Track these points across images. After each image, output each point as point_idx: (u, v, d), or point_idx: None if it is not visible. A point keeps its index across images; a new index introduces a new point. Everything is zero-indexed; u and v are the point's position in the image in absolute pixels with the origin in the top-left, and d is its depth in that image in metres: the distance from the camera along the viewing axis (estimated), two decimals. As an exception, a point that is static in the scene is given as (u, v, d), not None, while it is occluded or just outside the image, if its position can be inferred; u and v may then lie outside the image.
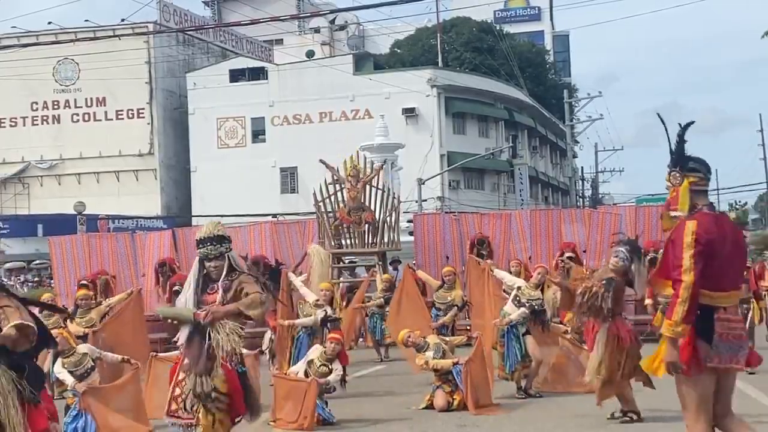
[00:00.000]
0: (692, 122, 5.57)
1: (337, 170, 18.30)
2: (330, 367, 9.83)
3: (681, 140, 5.51)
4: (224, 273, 6.30)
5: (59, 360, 9.17)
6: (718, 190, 63.27)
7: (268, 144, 46.98)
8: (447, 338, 11.18)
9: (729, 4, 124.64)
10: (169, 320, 6.66)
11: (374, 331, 15.86)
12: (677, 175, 5.43)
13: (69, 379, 8.99)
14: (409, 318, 12.75)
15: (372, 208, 18.05)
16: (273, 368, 12.09)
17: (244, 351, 11.33)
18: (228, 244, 6.38)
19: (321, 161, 18.83)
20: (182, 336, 6.42)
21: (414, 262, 17.47)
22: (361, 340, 17.18)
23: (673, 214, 5.44)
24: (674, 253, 5.25)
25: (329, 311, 11.64)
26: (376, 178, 18.25)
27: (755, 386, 10.46)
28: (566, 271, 13.45)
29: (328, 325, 11.59)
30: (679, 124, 5.53)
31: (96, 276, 16.20)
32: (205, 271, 6.38)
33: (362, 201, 17.90)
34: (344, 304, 16.60)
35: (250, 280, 6.35)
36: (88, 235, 22.47)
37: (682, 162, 5.46)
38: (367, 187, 18.04)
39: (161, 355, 11.16)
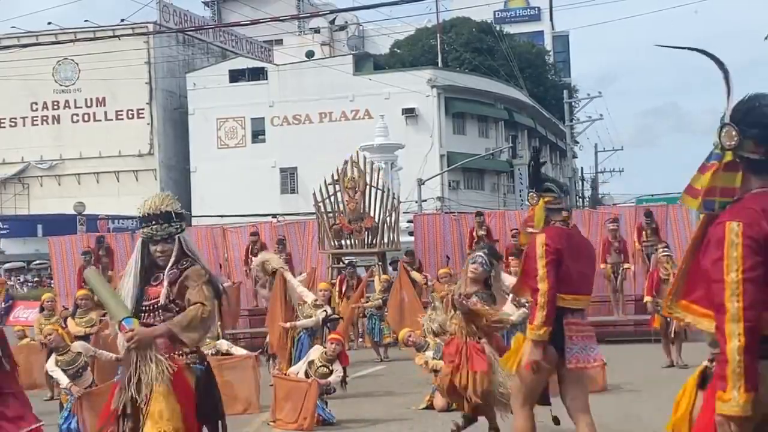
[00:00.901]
0: (540, 148, 6.25)
1: (338, 171, 18.29)
2: (330, 367, 9.82)
3: (537, 164, 6.38)
4: (172, 260, 5.03)
5: (53, 357, 9.21)
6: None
7: (268, 144, 46.99)
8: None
9: (729, 5, 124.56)
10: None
11: (373, 332, 15.85)
12: (534, 195, 6.26)
13: (63, 380, 9.03)
14: (408, 316, 12.75)
15: (372, 209, 18.05)
16: (273, 369, 12.09)
17: (244, 351, 11.41)
18: (179, 224, 5.09)
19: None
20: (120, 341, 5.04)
21: (408, 260, 17.53)
22: (360, 340, 17.17)
23: (529, 230, 6.23)
24: (530, 264, 5.96)
25: (329, 311, 11.64)
26: (375, 178, 18.25)
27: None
28: None
29: (329, 324, 11.58)
30: (534, 147, 6.32)
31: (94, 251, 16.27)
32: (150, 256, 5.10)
33: (362, 210, 17.93)
34: (343, 288, 16.58)
35: (198, 277, 4.98)
36: (88, 235, 22.47)
37: (537, 184, 6.33)
38: (367, 188, 18.03)
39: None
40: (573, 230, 6.35)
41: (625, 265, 17.31)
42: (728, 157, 3.48)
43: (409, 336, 10.57)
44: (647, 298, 13.76)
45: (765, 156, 3.40)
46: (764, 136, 3.39)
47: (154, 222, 5.03)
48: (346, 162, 18.31)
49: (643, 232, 17.82)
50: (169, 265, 5.01)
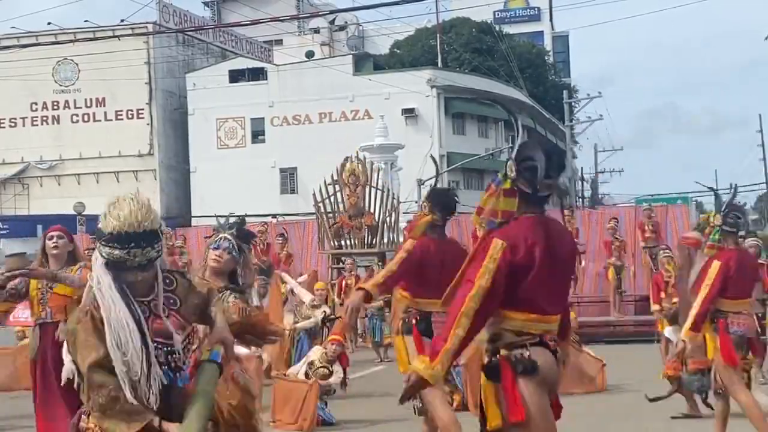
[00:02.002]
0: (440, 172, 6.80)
1: (338, 170, 18.29)
2: (330, 368, 9.82)
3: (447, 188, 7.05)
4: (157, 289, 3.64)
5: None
6: (717, 190, 63.44)
7: (268, 144, 46.98)
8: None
9: (729, 5, 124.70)
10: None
11: (373, 333, 15.85)
12: (426, 204, 6.74)
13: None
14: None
15: (372, 209, 18.04)
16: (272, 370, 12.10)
17: (247, 351, 11.38)
18: (161, 244, 3.59)
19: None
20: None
21: None
22: (360, 340, 17.17)
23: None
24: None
25: (328, 310, 11.64)
26: (375, 178, 18.25)
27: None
28: None
29: (328, 324, 11.58)
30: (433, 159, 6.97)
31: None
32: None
33: (362, 206, 17.93)
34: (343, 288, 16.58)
35: (209, 291, 3.87)
36: (88, 235, 22.44)
37: (434, 200, 6.71)
38: (367, 188, 18.04)
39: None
40: (450, 241, 6.90)
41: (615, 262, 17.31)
42: (507, 184, 4.21)
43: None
44: (655, 307, 13.73)
45: (533, 191, 4.17)
46: (530, 179, 4.14)
47: (132, 244, 3.45)
48: (346, 158, 18.33)
49: (645, 228, 17.79)
50: (160, 300, 3.60)
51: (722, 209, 7.23)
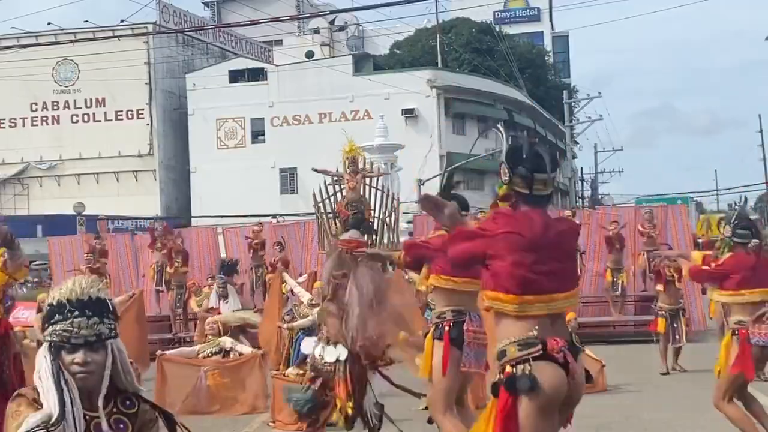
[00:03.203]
0: (453, 174, 6.73)
1: (337, 170, 18.26)
2: (330, 368, 9.82)
3: (449, 185, 7.13)
4: (104, 385, 2.86)
5: None
6: (717, 190, 63.47)
7: (268, 145, 46.96)
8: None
9: (729, 5, 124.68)
10: None
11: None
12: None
13: None
14: (408, 317, 12.70)
15: (371, 208, 18.02)
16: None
17: (249, 349, 11.37)
18: (113, 324, 2.93)
19: (314, 170, 18.79)
20: None
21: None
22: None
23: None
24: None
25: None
26: (375, 177, 18.22)
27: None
28: None
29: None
30: (449, 173, 6.80)
31: (91, 270, 16.26)
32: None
33: (362, 194, 17.90)
34: None
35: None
36: (87, 235, 22.46)
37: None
38: (367, 187, 18.02)
39: (168, 353, 11.20)
40: None
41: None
42: (503, 190, 4.21)
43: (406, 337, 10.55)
44: (659, 286, 13.76)
45: (529, 190, 4.13)
46: (525, 177, 4.13)
47: (76, 312, 2.83)
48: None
49: (644, 231, 17.78)
50: (102, 393, 2.83)
51: (732, 221, 7.11)
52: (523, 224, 4.08)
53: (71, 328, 2.81)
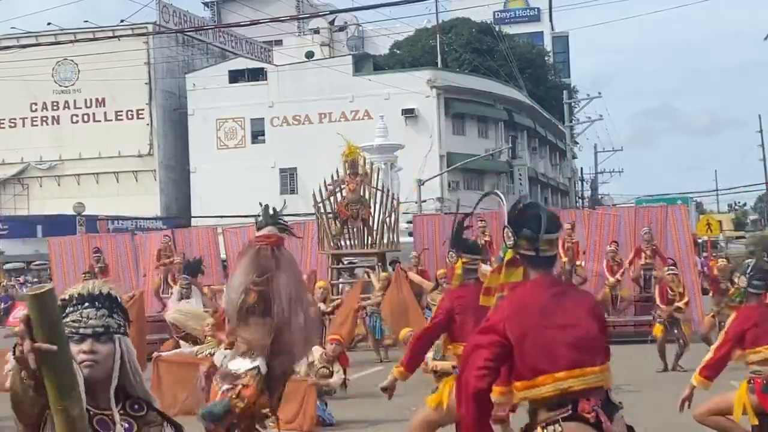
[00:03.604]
0: (470, 213, 7.09)
1: (337, 172, 18.27)
2: (330, 368, 9.82)
3: (460, 228, 6.82)
4: (114, 379, 2.82)
5: None
6: (717, 190, 63.49)
7: (268, 145, 46.96)
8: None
9: (729, 5, 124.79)
10: None
11: (374, 331, 15.83)
12: (453, 254, 6.84)
13: None
14: (404, 317, 12.75)
15: (371, 208, 18.02)
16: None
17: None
18: (123, 321, 2.94)
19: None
20: None
21: (400, 262, 17.49)
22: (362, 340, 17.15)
23: (445, 286, 7.03)
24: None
25: (323, 307, 11.64)
26: (375, 178, 18.23)
27: None
28: None
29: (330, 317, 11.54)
30: (459, 221, 6.87)
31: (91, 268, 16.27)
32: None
33: (362, 195, 17.89)
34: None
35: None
36: (87, 235, 22.46)
37: (458, 246, 6.79)
38: (367, 188, 18.02)
39: (165, 355, 11.18)
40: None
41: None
42: (509, 255, 4.12)
43: (410, 336, 10.56)
44: (662, 308, 13.72)
45: (536, 252, 3.96)
46: (530, 238, 3.97)
47: (86, 304, 2.84)
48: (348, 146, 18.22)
49: (642, 254, 17.66)
50: (112, 384, 2.80)
51: (748, 271, 6.99)
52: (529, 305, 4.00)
53: (80, 318, 2.81)
